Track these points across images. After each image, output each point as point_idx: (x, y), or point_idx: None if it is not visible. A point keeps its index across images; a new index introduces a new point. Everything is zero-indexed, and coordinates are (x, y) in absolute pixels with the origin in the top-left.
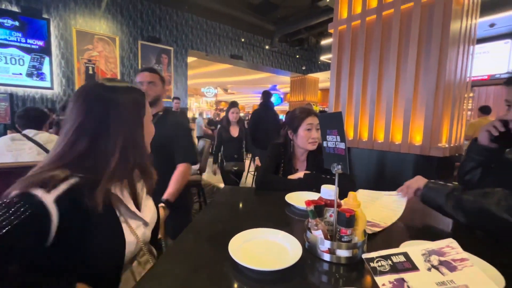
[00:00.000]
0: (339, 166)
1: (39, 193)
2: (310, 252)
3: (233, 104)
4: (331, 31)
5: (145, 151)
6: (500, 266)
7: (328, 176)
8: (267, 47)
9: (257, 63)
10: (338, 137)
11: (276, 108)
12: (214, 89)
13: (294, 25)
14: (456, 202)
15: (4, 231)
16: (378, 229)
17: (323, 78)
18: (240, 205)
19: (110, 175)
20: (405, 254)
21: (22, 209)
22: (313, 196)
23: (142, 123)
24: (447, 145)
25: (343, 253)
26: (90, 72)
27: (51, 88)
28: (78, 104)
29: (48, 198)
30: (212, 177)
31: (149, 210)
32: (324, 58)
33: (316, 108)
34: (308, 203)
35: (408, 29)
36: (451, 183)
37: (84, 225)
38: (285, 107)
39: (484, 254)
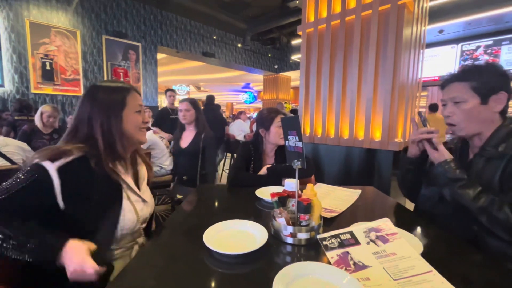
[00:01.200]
0: (299, 162)
1: (46, 163)
2: (275, 237)
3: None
4: (299, 33)
5: (125, 138)
6: (420, 235)
7: (286, 164)
8: (239, 45)
9: (230, 61)
10: (297, 137)
11: (250, 106)
12: (187, 86)
13: (265, 24)
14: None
15: (14, 190)
16: (334, 214)
17: (294, 77)
18: (215, 202)
19: (104, 153)
20: (351, 233)
21: (30, 175)
22: (279, 189)
23: (119, 115)
24: (402, 140)
25: (302, 235)
26: (48, 68)
27: (1, 85)
28: (80, 100)
29: (51, 167)
30: None
31: (148, 194)
32: (295, 57)
33: (289, 106)
34: (273, 195)
35: (368, 34)
36: None
37: (87, 191)
38: (259, 105)
39: (411, 227)
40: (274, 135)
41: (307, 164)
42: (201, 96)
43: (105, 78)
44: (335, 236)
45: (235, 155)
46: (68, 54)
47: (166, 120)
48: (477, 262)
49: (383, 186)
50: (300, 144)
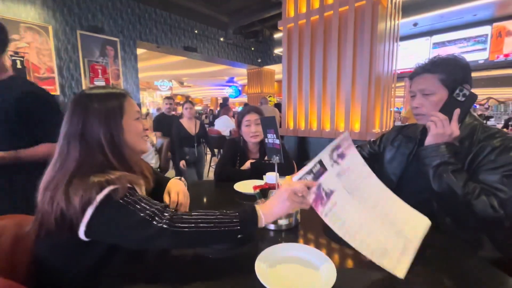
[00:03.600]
0: (277, 157)
1: None
2: None
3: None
4: (280, 28)
5: (126, 150)
6: None
7: (269, 160)
8: (221, 39)
9: (213, 55)
10: (274, 135)
11: (235, 100)
12: (169, 82)
13: (247, 17)
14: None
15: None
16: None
17: (278, 70)
18: (203, 198)
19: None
20: (320, 162)
21: None
22: (260, 182)
23: (120, 125)
24: (379, 130)
25: (282, 221)
26: (19, 66)
27: None
28: (68, 113)
29: None
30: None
31: None
32: (277, 51)
33: (274, 99)
34: (255, 187)
35: (346, 29)
36: None
37: None
38: (244, 99)
39: None
40: (245, 134)
41: (288, 164)
42: (184, 91)
43: (83, 76)
44: (308, 173)
45: (221, 150)
46: (41, 51)
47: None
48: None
49: None
50: (277, 141)
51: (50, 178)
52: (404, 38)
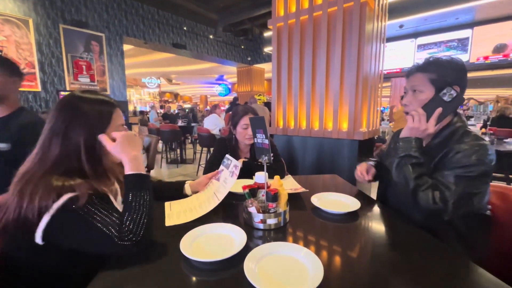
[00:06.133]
0: (266, 158)
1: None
2: (248, 224)
3: None
4: (270, 27)
5: (103, 158)
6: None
7: (260, 162)
8: (211, 36)
9: (202, 53)
10: (264, 135)
11: (224, 98)
12: (157, 79)
13: (236, 15)
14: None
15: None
16: (300, 190)
17: (268, 69)
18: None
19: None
20: (227, 165)
21: None
22: (249, 182)
23: (102, 133)
24: (366, 130)
25: (271, 221)
26: None
27: None
28: (55, 110)
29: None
30: (161, 172)
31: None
32: (267, 50)
33: (263, 98)
34: (244, 187)
35: (334, 30)
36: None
37: None
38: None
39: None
40: (240, 135)
41: (278, 164)
42: (173, 89)
43: (66, 72)
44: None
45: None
46: (20, 45)
47: None
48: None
49: (351, 175)
50: (266, 141)
51: (27, 169)
52: (390, 39)
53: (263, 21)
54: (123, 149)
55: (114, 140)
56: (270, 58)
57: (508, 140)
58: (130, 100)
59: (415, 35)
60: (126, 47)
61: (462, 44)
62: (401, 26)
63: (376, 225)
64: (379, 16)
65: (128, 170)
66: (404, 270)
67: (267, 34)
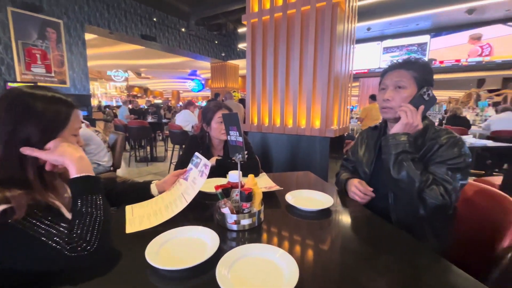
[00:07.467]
0: (240, 156)
1: None
2: (221, 225)
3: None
4: (244, 22)
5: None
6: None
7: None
8: (183, 29)
9: (174, 46)
10: (237, 133)
11: (198, 94)
12: (124, 72)
13: (210, 8)
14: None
15: None
16: (275, 189)
17: (243, 65)
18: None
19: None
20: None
21: None
22: (223, 181)
23: (56, 137)
24: (337, 127)
25: (245, 221)
26: None
27: None
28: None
29: None
30: (129, 171)
31: None
32: (242, 46)
33: (238, 95)
34: (217, 187)
35: (307, 29)
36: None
37: None
38: (208, 93)
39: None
40: (215, 130)
41: (253, 162)
42: (142, 83)
43: (16, 60)
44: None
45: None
46: None
47: None
48: (386, 230)
49: (323, 171)
50: (240, 139)
51: None
52: (359, 41)
53: (237, 17)
54: (63, 152)
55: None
56: (245, 55)
57: (463, 137)
58: (94, 94)
59: (381, 38)
60: (88, 36)
61: (422, 48)
62: (368, 29)
63: (348, 221)
64: (349, 17)
65: (73, 174)
66: (375, 265)
67: (241, 30)
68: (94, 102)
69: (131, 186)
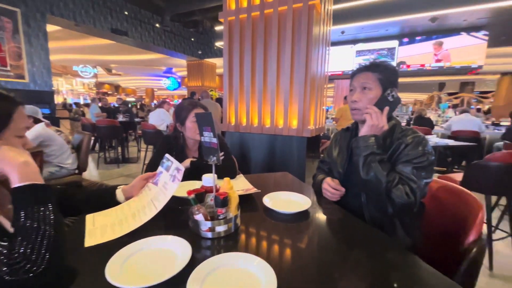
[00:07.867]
0: (214, 158)
1: None
2: (194, 233)
3: None
4: (221, 20)
5: None
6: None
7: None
8: (157, 25)
9: (147, 42)
10: (211, 133)
11: (174, 92)
12: (93, 68)
13: (186, 4)
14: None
15: None
16: (252, 191)
17: (220, 64)
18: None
19: None
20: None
21: None
22: (196, 185)
23: None
24: (313, 127)
25: (220, 228)
26: None
27: None
28: None
29: None
30: (98, 174)
31: None
32: (219, 44)
33: (215, 94)
34: (189, 192)
35: (285, 29)
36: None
37: None
38: (184, 91)
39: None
40: (190, 130)
41: (229, 164)
42: (113, 80)
43: None
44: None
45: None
46: None
47: None
48: (360, 229)
49: (300, 170)
50: (215, 140)
51: None
52: (333, 43)
53: (214, 14)
54: (2, 157)
55: None
56: (222, 53)
57: (427, 136)
58: (58, 90)
59: (354, 41)
60: (51, 27)
61: (391, 53)
62: (342, 32)
63: (325, 222)
64: (325, 20)
65: (15, 182)
66: (352, 266)
67: (218, 28)
68: (58, 99)
69: (93, 193)
